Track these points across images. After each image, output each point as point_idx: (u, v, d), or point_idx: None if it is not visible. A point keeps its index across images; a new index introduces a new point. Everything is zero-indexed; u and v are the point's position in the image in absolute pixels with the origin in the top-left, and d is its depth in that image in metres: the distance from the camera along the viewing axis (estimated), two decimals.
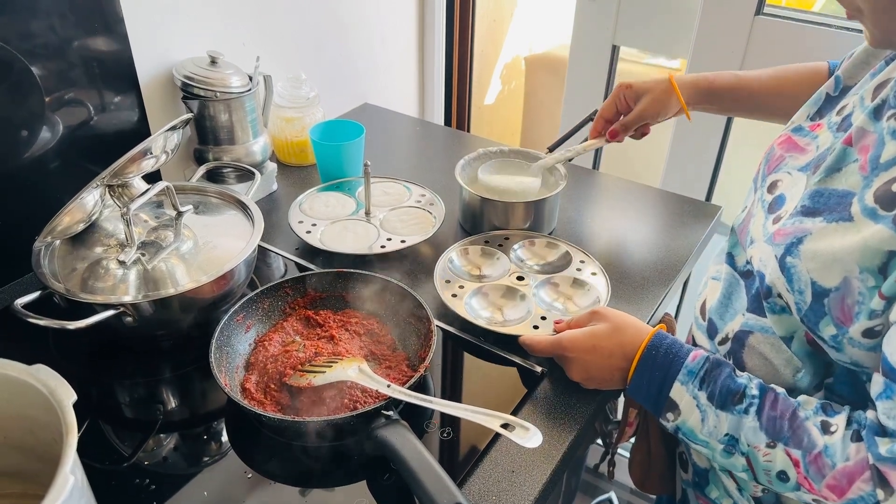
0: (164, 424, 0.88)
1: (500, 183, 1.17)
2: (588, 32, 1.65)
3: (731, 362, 0.80)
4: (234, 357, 0.90)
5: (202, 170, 1.11)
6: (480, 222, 1.18)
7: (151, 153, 0.88)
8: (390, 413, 0.79)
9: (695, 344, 0.98)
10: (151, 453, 0.84)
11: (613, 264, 1.14)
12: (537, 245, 1.13)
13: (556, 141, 1.25)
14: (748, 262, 0.84)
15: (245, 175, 1.22)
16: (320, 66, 1.51)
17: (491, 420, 0.74)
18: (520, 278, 1.05)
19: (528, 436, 0.71)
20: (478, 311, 1.00)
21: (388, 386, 0.81)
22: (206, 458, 0.83)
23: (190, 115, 0.93)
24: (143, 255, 0.94)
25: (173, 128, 0.95)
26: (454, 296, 1.01)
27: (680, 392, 0.76)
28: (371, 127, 1.56)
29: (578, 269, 1.08)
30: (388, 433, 0.76)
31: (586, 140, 1.16)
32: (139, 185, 0.93)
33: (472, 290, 1.02)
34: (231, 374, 0.88)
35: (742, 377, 0.76)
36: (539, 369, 0.93)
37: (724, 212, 1.30)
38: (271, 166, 1.29)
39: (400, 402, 0.81)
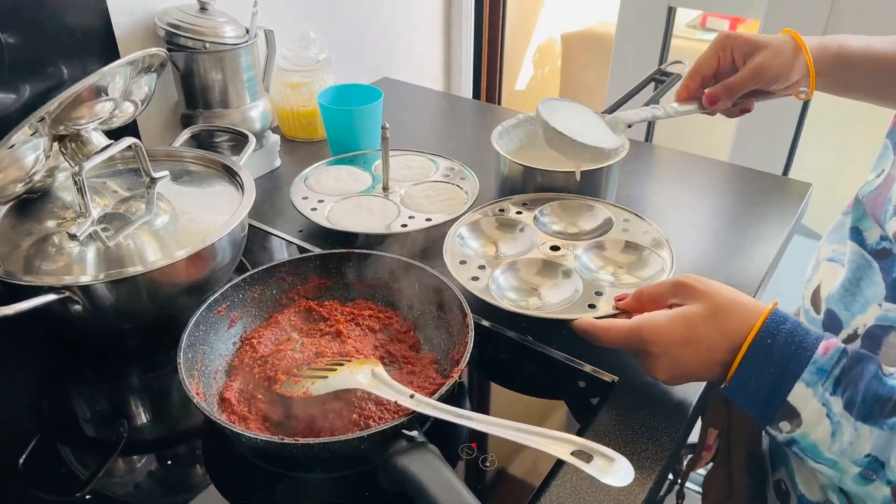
0: (129, 444, 0.68)
1: (573, 127, 0.88)
2: None
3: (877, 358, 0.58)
4: (211, 358, 0.70)
5: (186, 133, 0.92)
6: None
7: (107, 94, 0.68)
8: (414, 434, 0.58)
9: None
10: (112, 481, 0.64)
11: (681, 257, 0.92)
12: (566, 207, 0.91)
13: (611, 107, 1.04)
14: (884, 239, 0.65)
15: (241, 146, 1.02)
16: (334, 33, 1.32)
17: (557, 445, 0.52)
18: (554, 248, 0.83)
19: (614, 469, 0.49)
20: (506, 292, 0.78)
21: (412, 396, 0.60)
22: (178, 489, 0.63)
23: (161, 52, 0.74)
24: (107, 229, 0.75)
25: (147, 69, 0.76)
26: (474, 279, 0.79)
27: (804, 396, 0.56)
28: (391, 101, 1.37)
29: (625, 231, 0.86)
30: (411, 461, 0.55)
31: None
32: (98, 140, 0.74)
33: (497, 268, 0.80)
34: (207, 381, 0.68)
35: (894, 378, 0.55)
36: (609, 378, 0.72)
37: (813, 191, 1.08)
38: (273, 138, 1.10)
39: (427, 418, 0.60)
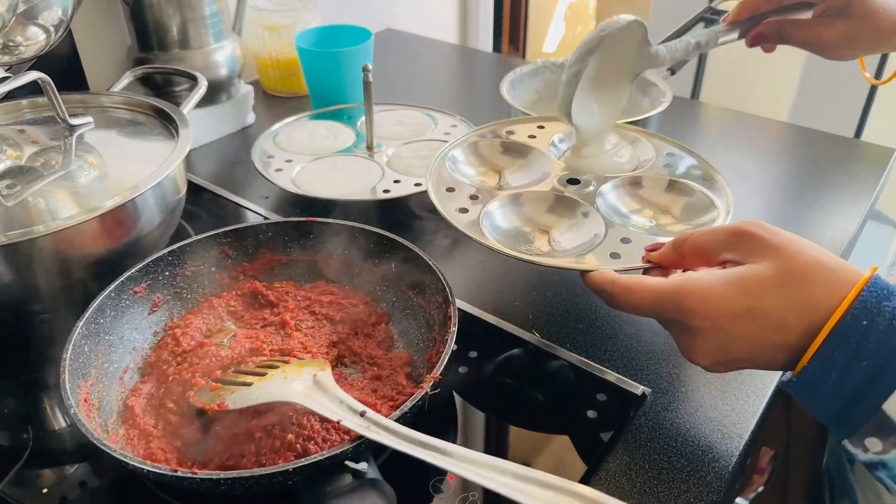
0: (35, 453, 0.53)
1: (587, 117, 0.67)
2: None
3: None
4: (121, 353, 0.54)
5: (128, 76, 0.76)
6: None
7: None
8: (362, 467, 0.42)
9: None
10: (18, 493, 0.50)
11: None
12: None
13: (675, 31, 0.86)
14: None
15: (207, 96, 0.86)
16: None
17: (550, 500, 0.35)
18: (573, 181, 0.64)
19: None
20: (505, 229, 0.60)
21: (362, 414, 0.43)
22: None
23: None
24: (13, 185, 0.60)
25: None
26: (462, 210, 0.60)
27: None
28: (395, 55, 1.19)
29: (668, 167, 0.66)
30: None
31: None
32: None
33: (494, 200, 0.62)
34: (110, 381, 0.52)
35: None
36: (640, 390, 0.54)
37: None
38: (245, 89, 0.93)
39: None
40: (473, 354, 0.59)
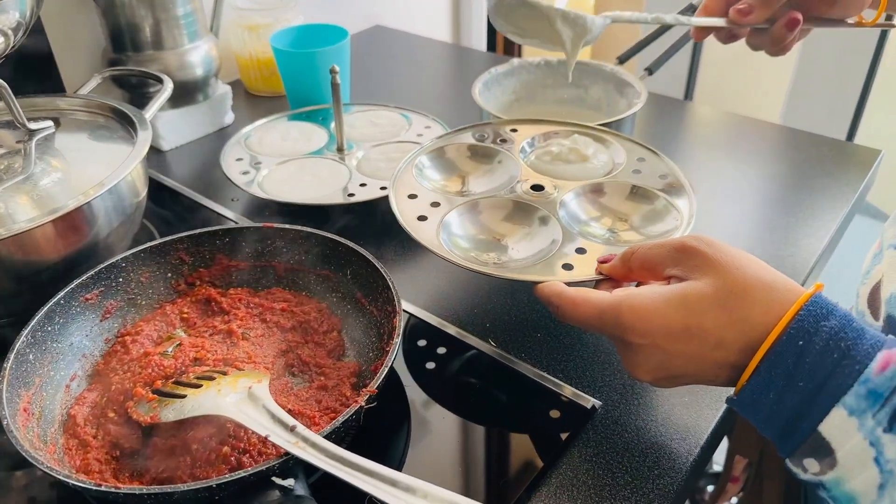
0: None
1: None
2: None
3: None
4: (69, 360, 0.54)
5: (96, 79, 0.76)
6: None
7: None
8: (289, 483, 0.41)
9: None
10: None
11: (720, 232, 0.72)
12: (565, 137, 0.69)
13: (631, 48, 0.84)
14: None
15: (178, 95, 0.86)
16: None
17: None
18: (537, 188, 0.63)
19: None
20: (460, 239, 0.59)
21: (292, 429, 0.43)
22: None
23: None
24: None
25: None
26: (421, 218, 0.60)
27: (843, 427, 0.38)
28: (381, 53, 1.18)
29: (637, 172, 0.64)
30: None
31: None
32: None
33: (455, 207, 0.61)
34: (55, 389, 0.52)
35: None
36: (590, 403, 0.53)
37: (883, 158, 0.86)
38: (223, 89, 0.93)
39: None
40: (430, 365, 0.58)
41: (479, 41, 1.45)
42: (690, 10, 0.82)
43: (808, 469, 0.40)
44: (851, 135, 1.10)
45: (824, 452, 0.39)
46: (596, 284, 0.52)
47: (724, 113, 0.98)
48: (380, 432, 0.52)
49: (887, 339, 0.39)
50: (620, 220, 0.60)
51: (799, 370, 0.39)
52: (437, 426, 0.54)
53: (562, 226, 0.58)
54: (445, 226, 0.59)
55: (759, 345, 0.40)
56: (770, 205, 0.77)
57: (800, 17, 0.63)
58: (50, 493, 0.50)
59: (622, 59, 0.84)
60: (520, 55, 1.55)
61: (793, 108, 1.13)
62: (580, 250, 0.56)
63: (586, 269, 0.53)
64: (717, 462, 0.87)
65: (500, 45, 1.47)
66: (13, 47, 0.65)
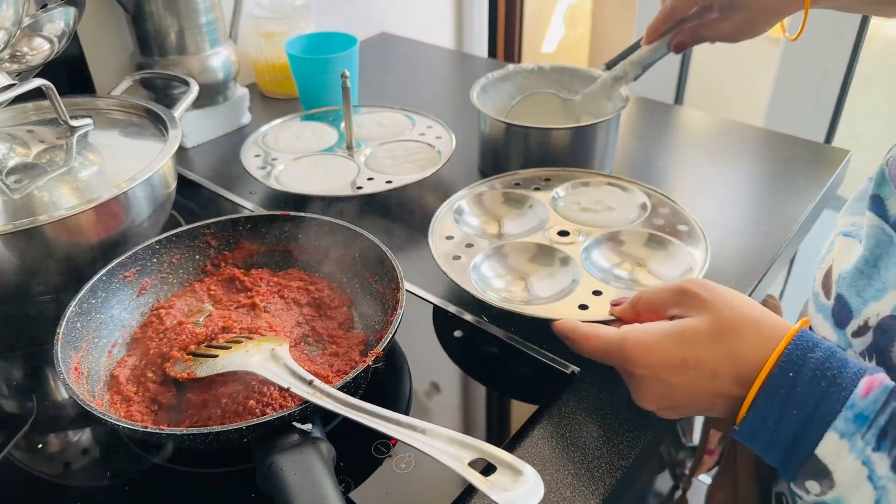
0: (37, 422, 0.61)
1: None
2: None
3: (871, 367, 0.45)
4: (110, 329, 0.61)
5: (127, 81, 0.83)
6: (506, 162, 0.85)
7: None
8: (307, 427, 0.48)
9: None
10: (23, 457, 0.57)
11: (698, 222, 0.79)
12: (593, 187, 0.77)
13: (619, 55, 0.91)
14: None
15: (201, 97, 0.93)
16: None
17: (452, 453, 0.41)
18: (563, 233, 0.71)
19: (517, 485, 0.38)
20: (490, 280, 0.67)
21: (310, 383, 0.50)
22: (63, 468, 0.56)
23: None
24: (20, 180, 0.67)
25: (56, 2, 0.67)
26: (456, 258, 0.68)
27: (837, 450, 0.43)
28: (387, 58, 1.25)
29: (658, 223, 0.72)
30: (288, 462, 0.45)
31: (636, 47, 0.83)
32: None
33: (484, 250, 0.69)
34: (99, 354, 0.59)
35: None
36: (570, 368, 0.60)
37: (850, 162, 0.92)
38: (241, 91, 1.00)
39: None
40: (430, 337, 0.65)
41: (481, 48, 1.52)
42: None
43: (811, 491, 0.44)
44: (830, 136, 1.17)
45: (823, 474, 0.43)
46: (608, 324, 0.58)
47: (710, 117, 1.05)
48: (386, 394, 0.60)
49: (868, 367, 0.44)
50: (638, 266, 0.67)
51: (791, 399, 0.44)
52: (436, 388, 0.61)
53: (583, 268, 0.66)
54: (477, 265, 0.67)
55: (751, 376, 0.45)
56: (745, 200, 0.84)
57: (685, 42, 0.78)
58: (94, 445, 0.58)
59: (610, 65, 0.91)
60: (519, 62, 1.62)
61: (775, 112, 1.20)
62: (597, 292, 0.63)
63: (601, 309, 0.61)
64: (696, 437, 0.94)
65: (501, 52, 1.55)
66: (57, 53, 0.73)
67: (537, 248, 0.70)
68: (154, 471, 0.54)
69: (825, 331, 0.58)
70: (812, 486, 0.44)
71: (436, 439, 0.43)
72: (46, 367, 0.67)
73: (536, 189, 0.77)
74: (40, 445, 0.58)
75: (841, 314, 0.55)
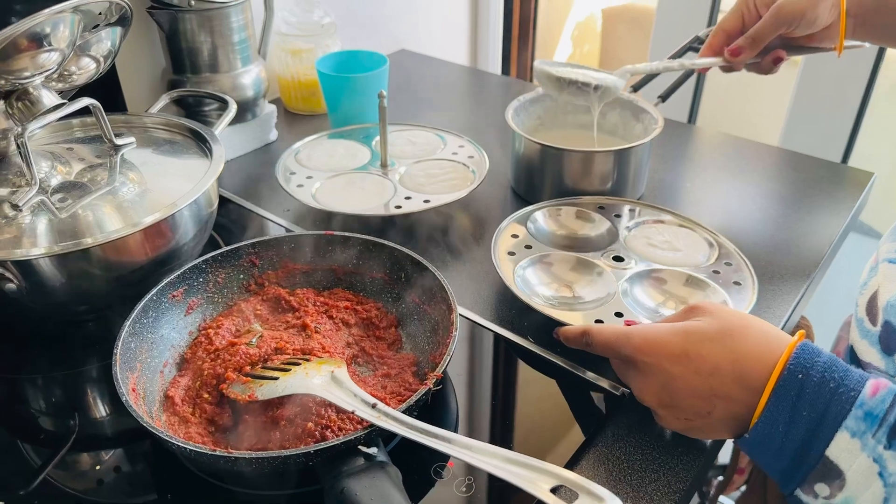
0: (79, 441, 0.60)
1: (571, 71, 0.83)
2: None
3: None
4: (161, 349, 0.61)
5: (164, 99, 0.83)
6: (540, 183, 0.86)
7: (50, 44, 0.60)
8: (373, 451, 0.48)
9: (854, 360, 0.64)
10: (62, 475, 0.56)
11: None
12: (659, 222, 0.78)
13: (644, 77, 0.92)
14: None
15: (235, 116, 0.93)
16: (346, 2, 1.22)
17: (536, 478, 0.42)
18: (618, 259, 0.73)
19: None
20: (535, 287, 0.69)
21: (374, 406, 0.50)
22: (118, 489, 0.55)
23: (121, 2, 0.65)
24: (65, 199, 0.67)
25: (110, 22, 0.67)
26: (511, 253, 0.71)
27: (849, 449, 0.44)
28: (407, 74, 1.27)
29: (716, 271, 0.71)
30: (359, 485, 0.45)
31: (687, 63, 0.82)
32: (49, 99, 0.66)
33: (527, 258, 0.72)
34: (152, 374, 0.59)
35: None
36: (620, 390, 0.61)
37: (876, 181, 0.94)
38: (269, 108, 1.01)
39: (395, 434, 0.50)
40: (477, 358, 0.66)
41: (495, 65, 1.54)
42: (697, 41, 0.91)
43: (820, 494, 0.45)
44: (846, 156, 1.19)
45: (834, 475, 0.44)
46: None
47: (726, 136, 1.06)
48: (435, 413, 0.60)
49: (870, 373, 0.46)
50: (681, 301, 0.68)
51: (801, 401, 0.45)
52: (481, 407, 0.61)
53: (615, 279, 0.69)
54: (520, 270, 0.70)
55: (752, 377, 0.47)
56: (771, 222, 0.85)
57: (783, 55, 0.77)
58: (139, 463, 0.57)
59: (636, 88, 0.92)
60: (531, 78, 1.64)
61: (791, 131, 1.21)
62: (619, 314, 0.65)
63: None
64: (723, 457, 0.94)
65: (514, 70, 1.56)
66: (102, 72, 0.73)
67: (575, 261, 0.72)
68: (200, 488, 0.54)
69: (872, 357, 0.59)
70: (821, 488, 0.45)
71: (512, 465, 0.44)
72: (87, 385, 0.67)
73: (601, 208, 0.80)
74: (82, 464, 0.58)
75: (889, 341, 0.56)
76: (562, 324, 0.62)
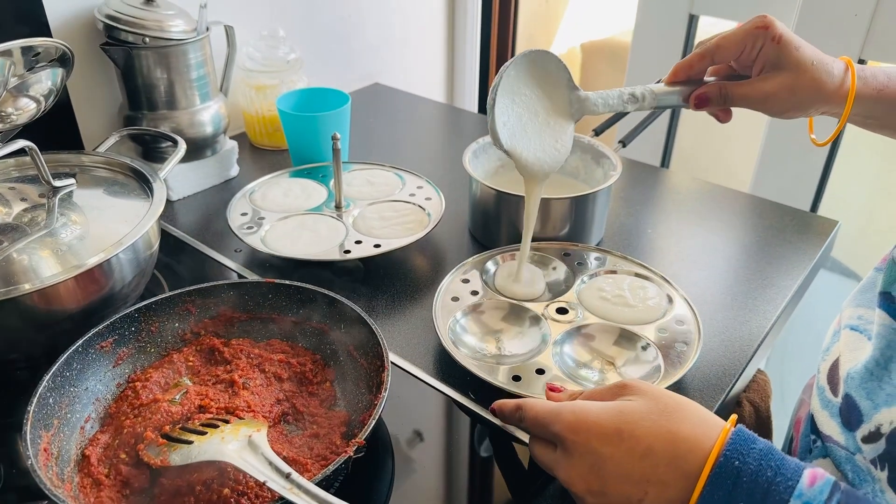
0: (4, 490, 0.58)
1: (515, 127, 0.67)
2: None
3: (883, 476, 0.44)
4: (84, 403, 0.59)
5: (113, 138, 0.82)
6: (497, 228, 0.84)
7: None
8: None
9: (815, 431, 0.61)
10: None
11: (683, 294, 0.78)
12: (612, 272, 0.77)
13: (607, 120, 0.91)
14: None
15: (191, 151, 0.92)
16: (315, 33, 1.21)
17: None
18: (562, 310, 0.71)
19: None
20: (462, 336, 0.68)
21: (288, 476, 0.48)
22: None
23: (56, 43, 0.64)
24: (0, 242, 0.66)
25: (50, 61, 0.66)
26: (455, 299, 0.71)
27: None
28: (377, 111, 1.26)
29: (663, 329, 0.69)
30: None
31: (659, 81, 0.73)
32: None
33: (461, 310, 0.70)
34: (71, 430, 0.57)
35: None
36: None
37: (840, 229, 0.92)
38: (229, 144, 0.99)
39: None
40: (414, 415, 0.63)
41: (472, 102, 1.53)
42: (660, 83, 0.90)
43: None
44: (816, 202, 1.18)
45: None
46: None
47: (697, 181, 1.05)
48: (366, 477, 0.58)
49: (805, 463, 0.43)
50: (608, 364, 0.66)
51: (738, 490, 0.42)
52: (420, 470, 0.59)
53: (549, 328, 0.68)
54: (454, 323, 0.69)
55: (687, 459, 0.44)
56: (733, 270, 0.84)
57: (708, 96, 0.67)
58: None
59: (598, 132, 0.91)
60: None
61: (762, 177, 1.20)
62: (540, 371, 0.64)
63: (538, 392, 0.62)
64: None
65: None
66: (43, 112, 0.72)
67: (508, 307, 0.70)
68: None
69: (831, 430, 0.57)
70: None
71: None
72: (16, 434, 0.65)
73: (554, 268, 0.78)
74: None
75: (850, 415, 0.54)
76: (488, 384, 0.61)
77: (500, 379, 0.63)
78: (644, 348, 0.67)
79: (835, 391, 0.57)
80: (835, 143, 1.13)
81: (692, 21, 1.28)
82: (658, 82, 0.69)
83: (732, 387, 0.67)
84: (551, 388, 0.56)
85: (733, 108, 0.69)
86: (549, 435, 0.50)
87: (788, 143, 1.16)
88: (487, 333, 0.69)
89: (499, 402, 0.55)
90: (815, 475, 0.42)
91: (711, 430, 0.45)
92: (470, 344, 0.68)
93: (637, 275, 0.76)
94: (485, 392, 0.64)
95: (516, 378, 0.63)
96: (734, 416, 0.46)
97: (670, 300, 0.72)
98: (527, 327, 0.70)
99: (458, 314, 0.70)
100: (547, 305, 0.71)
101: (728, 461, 0.43)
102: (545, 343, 0.67)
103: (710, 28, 1.29)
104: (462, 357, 0.65)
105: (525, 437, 0.59)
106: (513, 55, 1.54)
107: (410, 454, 0.60)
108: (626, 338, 0.68)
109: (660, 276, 0.76)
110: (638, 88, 0.69)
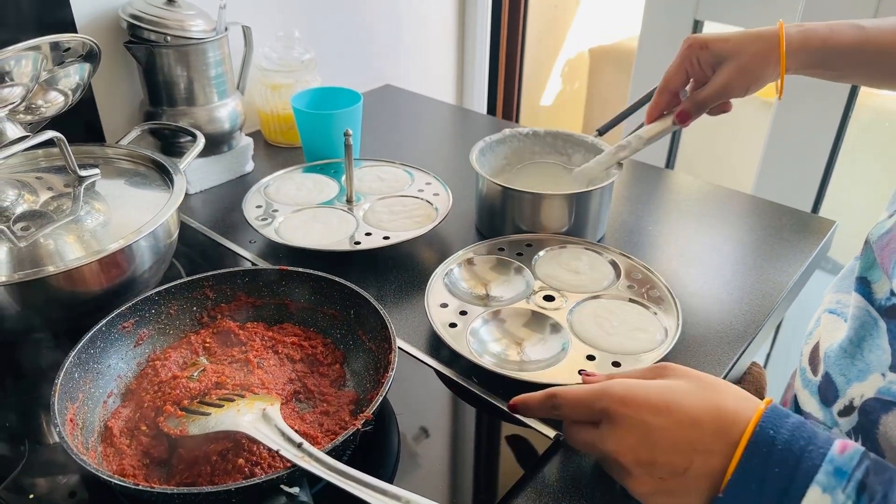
0: (28, 464, 0.61)
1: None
2: (664, 4, 1.33)
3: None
4: (106, 380, 0.62)
5: (135, 131, 0.85)
6: (501, 223, 0.87)
7: (11, 79, 0.62)
8: (294, 491, 0.49)
9: (798, 409, 0.64)
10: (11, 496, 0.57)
11: (681, 290, 0.81)
12: (570, 252, 0.82)
13: (610, 121, 0.94)
14: (895, 294, 0.53)
15: (210, 147, 0.96)
16: (331, 34, 1.25)
17: None
18: (548, 298, 0.75)
19: None
20: (487, 344, 0.70)
21: (299, 446, 0.51)
22: None
23: (84, 39, 0.68)
24: (27, 228, 0.69)
25: (79, 57, 0.70)
26: (452, 325, 0.71)
27: (820, 503, 0.43)
28: (389, 111, 1.29)
29: (630, 287, 0.77)
30: None
31: (641, 126, 0.83)
32: (13, 131, 0.68)
33: (481, 315, 0.72)
34: (94, 404, 0.60)
35: None
36: (553, 432, 0.61)
37: (838, 229, 0.95)
38: (245, 140, 1.03)
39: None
40: (420, 395, 0.66)
41: (481, 104, 1.56)
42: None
43: None
44: (818, 203, 1.20)
45: None
46: None
47: (700, 182, 1.07)
48: (374, 452, 0.61)
49: (836, 436, 0.46)
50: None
51: (772, 457, 0.45)
52: (424, 447, 0.62)
53: (571, 332, 0.71)
54: (475, 329, 0.71)
55: (731, 428, 0.46)
56: (731, 268, 0.86)
57: (729, 107, 0.79)
58: (83, 490, 0.58)
59: (602, 131, 0.94)
60: (517, 121, 1.66)
61: (764, 179, 1.23)
62: (591, 357, 0.67)
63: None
64: None
65: (500, 110, 1.59)
66: (70, 105, 0.75)
67: (530, 315, 0.73)
68: None
69: (811, 407, 0.60)
70: None
71: None
72: (41, 411, 0.68)
73: (519, 255, 0.81)
74: (30, 490, 0.59)
75: (827, 392, 0.57)
76: (487, 371, 0.64)
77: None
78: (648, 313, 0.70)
79: (815, 371, 0.60)
80: (835, 147, 1.15)
81: (697, 26, 1.31)
82: (639, 127, 0.83)
83: (725, 377, 0.69)
84: (588, 374, 0.59)
85: (733, 101, 0.78)
86: (593, 413, 0.52)
87: (790, 146, 1.18)
88: (478, 292, 0.75)
89: (521, 398, 0.57)
90: (845, 444, 0.44)
91: (752, 404, 0.48)
92: (483, 339, 0.71)
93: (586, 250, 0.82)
94: (488, 375, 0.67)
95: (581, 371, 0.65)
96: (770, 398, 0.49)
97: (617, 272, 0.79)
98: (512, 275, 0.77)
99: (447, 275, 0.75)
100: (532, 296, 0.75)
101: (763, 430, 0.46)
102: (562, 332, 0.70)
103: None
104: (462, 346, 0.68)
105: (528, 423, 0.62)
106: (521, 59, 1.57)
107: (414, 431, 0.63)
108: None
109: (651, 271, 0.79)
110: (623, 142, 0.83)
